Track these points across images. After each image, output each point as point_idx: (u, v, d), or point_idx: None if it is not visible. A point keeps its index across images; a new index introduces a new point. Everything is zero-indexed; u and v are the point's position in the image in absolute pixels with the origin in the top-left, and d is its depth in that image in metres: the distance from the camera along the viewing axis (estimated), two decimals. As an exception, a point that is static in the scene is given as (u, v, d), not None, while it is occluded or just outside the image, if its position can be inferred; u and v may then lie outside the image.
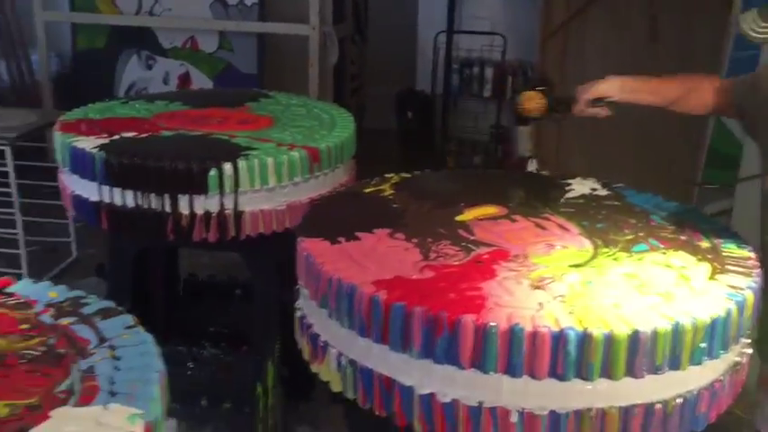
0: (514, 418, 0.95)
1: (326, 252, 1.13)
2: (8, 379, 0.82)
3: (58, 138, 1.73)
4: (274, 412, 1.85)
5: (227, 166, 1.60)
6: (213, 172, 1.60)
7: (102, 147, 1.65)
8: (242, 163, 1.61)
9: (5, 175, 2.57)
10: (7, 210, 2.57)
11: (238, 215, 1.65)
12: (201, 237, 1.65)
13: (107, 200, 1.66)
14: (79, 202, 1.71)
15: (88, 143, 1.67)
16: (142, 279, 1.99)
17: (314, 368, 1.15)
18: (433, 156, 3.99)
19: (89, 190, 1.68)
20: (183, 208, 1.63)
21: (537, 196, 1.41)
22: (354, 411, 1.10)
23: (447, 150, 4.10)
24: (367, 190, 1.44)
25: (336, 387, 1.09)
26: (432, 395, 0.98)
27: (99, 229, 1.73)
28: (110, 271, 1.90)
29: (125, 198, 1.64)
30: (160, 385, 0.83)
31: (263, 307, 1.82)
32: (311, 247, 1.15)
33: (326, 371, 1.11)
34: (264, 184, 1.65)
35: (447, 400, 0.97)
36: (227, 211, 1.65)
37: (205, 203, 1.63)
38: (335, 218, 1.30)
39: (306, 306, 1.18)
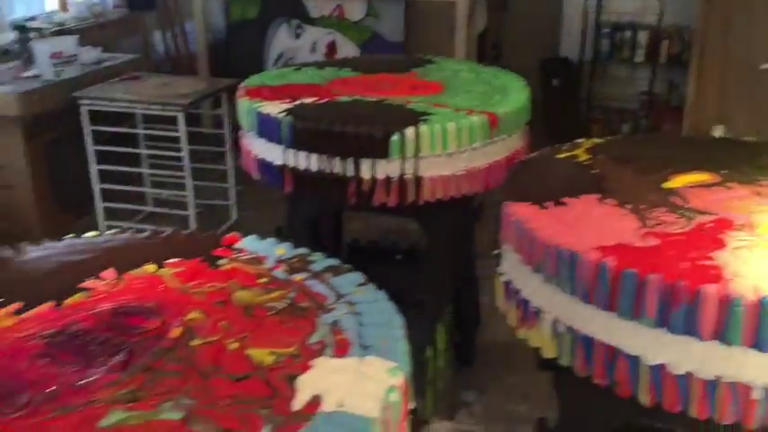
0: (757, 395, 0.90)
1: (537, 217, 1.12)
2: (262, 330, 0.86)
3: (244, 103, 1.80)
4: (444, 376, 1.86)
5: (410, 131, 1.61)
6: (396, 137, 1.61)
7: (287, 111, 1.70)
8: (423, 128, 1.61)
9: (175, 140, 2.71)
10: (178, 173, 2.72)
11: (418, 180, 1.66)
12: (381, 201, 1.68)
13: (291, 163, 1.71)
14: (264, 165, 1.77)
15: (273, 108, 1.73)
16: (314, 244, 2.05)
17: (521, 334, 1.14)
18: (578, 124, 3.86)
19: (274, 153, 1.73)
20: (365, 172, 1.65)
21: (745, 162, 1.33)
22: (566, 379, 1.08)
23: (592, 118, 3.96)
24: (560, 155, 1.40)
25: (550, 353, 1.08)
26: (662, 366, 0.95)
27: (281, 191, 1.79)
28: (289, 234, 1.96)
29: (309, 161, 1.69)
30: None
31: (437, 271, 1.83)
32: (520, 212, 1.13)
33: (538, 336, 1.10)
34: (444, 150, 1.64)
35: (680, 372, 0.94)
36: (407, 176, 1.66)
37: (386, 168, 1.65)
38: (536, 183, 1.27)
39: (514, 271, 1.17)
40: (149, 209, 3.05)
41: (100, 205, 2.82)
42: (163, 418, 0.70)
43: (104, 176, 2.79)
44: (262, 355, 0.81)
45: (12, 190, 2.83)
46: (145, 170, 3.00)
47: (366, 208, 1.85)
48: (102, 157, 2.77)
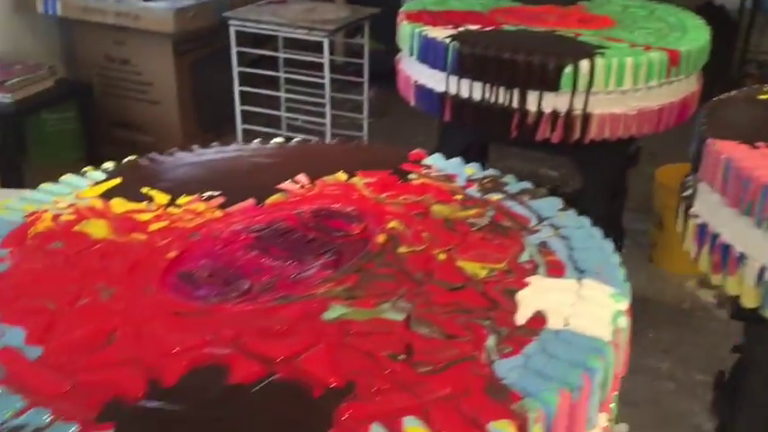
0: None
1: (750, 157, 1.03)
2: (467, 244, 0.84)
3: (407, 27, 1.76)
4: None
5: (584, 64, 1.53)
6: (569, 69, 1.53)
7: (452, 37, 1.65)
8: (599, 61, 1.53)
9: (313, 66, 2.72)
10: (319, 100, 2.74)
11: (586, 117, 1.59)
12: (544, 136, 1.62)
13: (453, 91, 1.67)
14: (423, 91, 1.74)
15: (438, 33, 1.68)
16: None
17: (716, 280, 1.07)
18: (730, 78, 3.60)
19: (435, 80, 1.70)
20: (531, 104, 1.60)
21: None
22: (765, 331, 1.01)
23: (745, 73, 3.68)
24: (762, 96, 1.29)
25: (750, 302, 1.01)
26: None
27: (440, 119, 1.76)
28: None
29: (472, 90, 1.64)
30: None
31: (594, 214, 1.76)
32: (730, 151, 1.05)
33: (738, 284, 1.03)
34: (619, 86, 1.56)
35: None
36: (575, 112, 1.59)
37: (554, 102, 1.58)
38: (741, 123, 1.18)
39: (712, 213, 1.09)
40: (285, 133, 3.10)
41: (240, 126, 2.89)
42: (385, 317, 0.70)
43: (244, 98, 2.85)
44: (474, 267, 0.79)
45: (159, 106, 2.94)
46: (287, 95, 3.03)
47: (524, 143, 1.80)
48: (244, 79, 2.82)
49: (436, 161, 1.08)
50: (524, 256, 0.82)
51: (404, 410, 0.57)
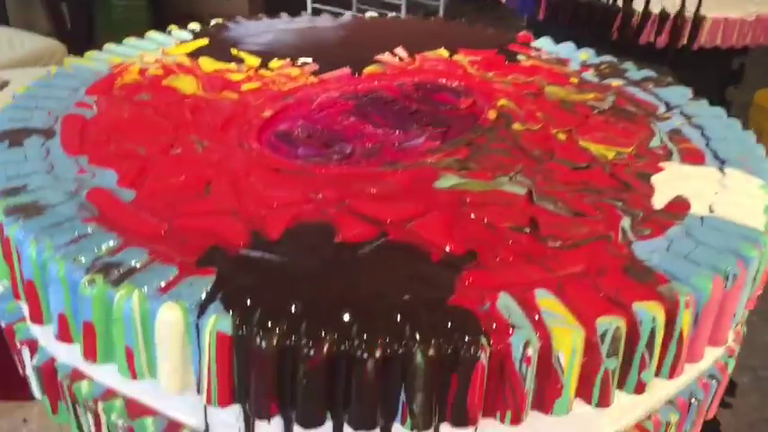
0: None
1: None
2: (589, 126, 0.76)
3: None
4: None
5: (703, -40, 1.38)
6: (684, -36, 1.39)
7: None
8: (720, -43, 1.38)
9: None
10: None
11: (698, 20, 1.45)
12: (648, 40, 1.49)
13: (551, -13, 1.54)
14: (518, -12, 1.62)
15: None
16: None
17: None
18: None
19: (532, -27, 1.57)
20: (638, 4, 1.46)
21: None
22: None
23: None
24: None
25: None
26: None
27: (529, 19, 1.64)
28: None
29: (573, -14, 1.51)
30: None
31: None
32: None
33: None
34: (739, -13, 1.41)
35: None
36: (687, 14, 1.45)
37: (663, 2, 1.45)
38: None
39: None
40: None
41: (310, 6, 2.81)
42: (505, 190, 0.63)
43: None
44: (599, 149, 0.71)
45: (230, 1, 2.86)
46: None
47: (621, 48, 1.67)
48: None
49: (546, 44, 0.99)
50: (655, 142, 0.73)
51: (534, 283, 0.51)
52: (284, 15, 1.04)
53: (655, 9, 1.45)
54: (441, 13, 2.64)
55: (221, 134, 0.70)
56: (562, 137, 0.73)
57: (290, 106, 0.77)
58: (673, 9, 1.44)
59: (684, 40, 1.47)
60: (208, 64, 0.86)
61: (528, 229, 0.57)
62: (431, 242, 0.55)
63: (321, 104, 0.78)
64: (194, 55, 0.88)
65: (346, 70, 0.87)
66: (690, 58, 1.51)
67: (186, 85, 0.80)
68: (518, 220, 0.58)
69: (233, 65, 0.86)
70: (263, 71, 0.85)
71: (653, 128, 0.76)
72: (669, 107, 0.81)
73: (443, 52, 0.94)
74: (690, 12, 1.44)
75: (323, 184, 0.62)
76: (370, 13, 1.07)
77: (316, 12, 2.75)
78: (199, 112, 0.74)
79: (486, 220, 0.58)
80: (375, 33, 1.00)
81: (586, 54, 0.95)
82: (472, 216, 0.58)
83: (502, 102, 0.80)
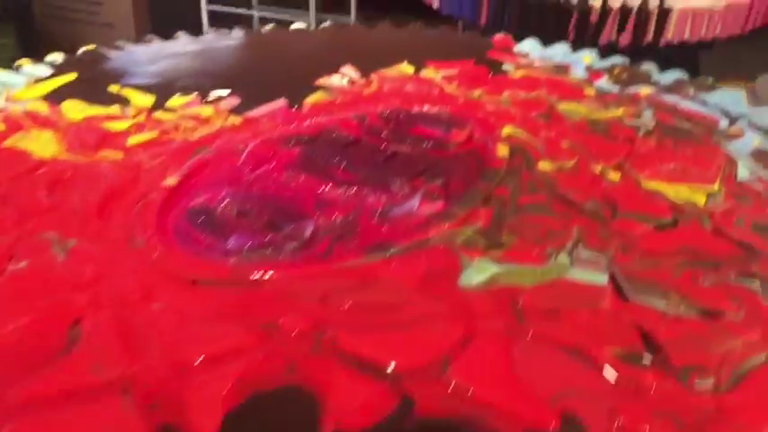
0: None
1: None
2: (641, 156, 0.53)
3: None
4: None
5: (665, -57, 1.21)
6: (645, -51, 1.21)
7: None
8: (684, -60, 1.21)
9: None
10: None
11: (664, 13, 1.27)
12: (610, 39, 1.30)
13: (493, -16, 1.34)
14: (452, -12, 1.41)
15: None
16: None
17: None
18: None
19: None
20: (595, 0, 1.27)
21: None
22: None
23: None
24: None
25: None
26: None
27: (476, 23, 1.43)
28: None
29: (519, -18, 1.31)
30: None
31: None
32: None
33: None
34: (705, -27, 1.24)
35: None
36: (650, 7, 1.27)
37: (623, -6, 1.26)
38: None
39: None
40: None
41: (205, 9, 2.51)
42: (574, 279, 0.39)
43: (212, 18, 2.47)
44: (679, 191, 0.48)
45: (112, 29, 2.54)
46: (260, 13, 2.65)
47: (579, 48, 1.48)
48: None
49: (532, 48, 0.77)
50: (743, 172, 0.51)
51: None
52: (182, 35, 0.77)
53: (615, 4, 1.27)
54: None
55: (98, 225, 0.43)
56: (614, 176, 0.50)
57: (206, 165, 0.51)
58: (635, 2, 1.26)
59: (650, 37, 1.29)
60: (75, 110, 0.58)
61: (646, 359, 0.33)
62: (494, 408, 0.30)
63: (252, 157, 0.53)
64: (54, 97, 0.61)
65: (280, 102, 0.61)
66: (662, 51, 1.35)
67: (41, 145, 0.52)
68: (620, 336, 0.35)
69: (114, 108, 0.59)
70: (158, 114, 0.59)
71: (725, 150, 0.54)
72: (731, 118, 0.59)
73: (406, 68, 0.70)
74: (654, 4, 1.26)
75: (278, 303, 0.36)
76: (298, 24, 0.82)
77: (214, 17, 2.49)
78: (60, 188, 0.47)
79: (572, 348, 0.34)
80: (308, 49, 0.75)
81: (589, 56, 0.73)
82: (547, 341, 0.34)
83: (508, 130, 0.56)
